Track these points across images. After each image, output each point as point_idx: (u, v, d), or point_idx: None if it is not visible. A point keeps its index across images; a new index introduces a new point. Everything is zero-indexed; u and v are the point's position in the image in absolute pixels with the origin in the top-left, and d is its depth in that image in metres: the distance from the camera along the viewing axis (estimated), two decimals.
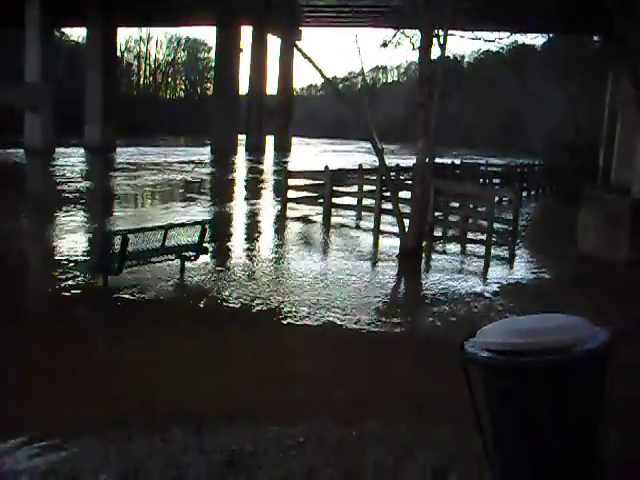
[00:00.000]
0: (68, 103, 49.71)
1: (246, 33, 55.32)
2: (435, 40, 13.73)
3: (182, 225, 11.18)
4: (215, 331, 8.39)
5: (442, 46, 13.85)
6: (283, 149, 59.40)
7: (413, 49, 15.02)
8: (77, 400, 6.22)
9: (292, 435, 5.45)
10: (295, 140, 65.77)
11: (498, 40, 17.15)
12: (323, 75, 15.49)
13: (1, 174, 30.39)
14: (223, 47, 53.02)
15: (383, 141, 15.25)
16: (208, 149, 51.31)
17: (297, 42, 59.99)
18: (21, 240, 14.78)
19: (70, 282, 10.39)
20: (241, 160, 45.89)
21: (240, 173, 37.14)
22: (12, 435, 5.34)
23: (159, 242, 10.43)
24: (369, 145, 15.24)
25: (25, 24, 43.25)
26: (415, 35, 14.20)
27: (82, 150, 44.43)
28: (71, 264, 11.32)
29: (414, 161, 14.63)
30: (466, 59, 78.40)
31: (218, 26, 52.86)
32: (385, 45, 22.12)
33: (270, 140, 61.09)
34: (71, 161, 36.61)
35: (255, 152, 52.16)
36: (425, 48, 13.66)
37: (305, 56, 15.19)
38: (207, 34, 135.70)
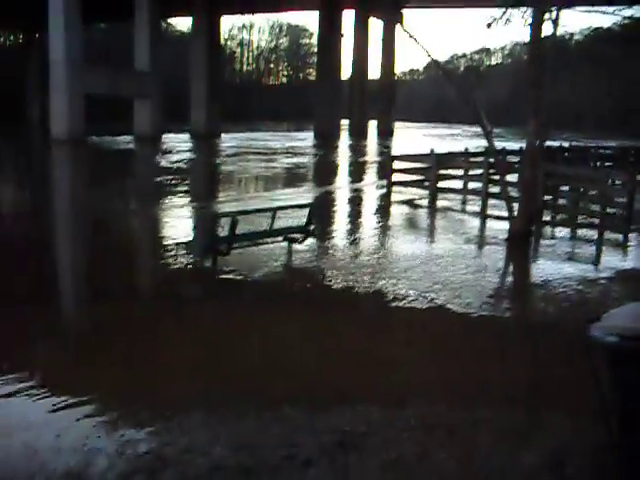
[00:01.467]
0: (174, 91, 51.07)
1: (348, 17, 55.19)
2: (547, 15, 13.18)
3: (289, 207, 11.23)
4: (323, 314, 8.36)
5: (554, 21, 13.29)
6: (386, 133, 59.10)
7: (525, 25, 14.39)
8: (188, 376, 6.38)
9: (403, 418, 5.39)
10: (397, 124, 65.28)
11: (617, 12, 16.16)
12: (430, 56, 15.16)
13: (117, 159, 31.66)
14: (325, 32, 53.11)
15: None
16: (311, 134, 51.57)
17: (399, 24, 59.47)
18: (135, 221, 15.57)
19: (181, 261, 10.70)
20: (344, 144, 45.89)
21: (344, 157, 37.18)
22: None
23: (267, 224, 10.53)
24: (474, 129, 14.87)
25: (134, 15, 44.59)
26: (526, 11, 13.64)
27: (188, 136, 45.54)
28: (182, 244, 11.58)
29: (519, 145, 14.19)
30: (576, 37, 75.87)
31: (321, 10, 52.94)
32: (489, 25, 21.44)
33: (372, 124, 60.88)
34: (180, 146, 37.74)
35: (358, 136, 52.09)
36: (537, 24, 13.14)
37: (411, 36, 14.89)
38: (308, 19, 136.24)
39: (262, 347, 7.08)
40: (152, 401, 5.73)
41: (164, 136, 42.90)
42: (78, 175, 26.30)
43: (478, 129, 15.40)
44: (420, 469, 4.55)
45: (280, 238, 10.98)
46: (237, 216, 9.92)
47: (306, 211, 11.16)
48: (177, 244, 11.77)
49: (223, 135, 47.71)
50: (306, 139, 47.73)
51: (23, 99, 63.29)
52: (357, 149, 41.71)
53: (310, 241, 11.55)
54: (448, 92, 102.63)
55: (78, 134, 37.16)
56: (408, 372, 6.57)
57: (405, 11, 60.51)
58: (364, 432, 5.08)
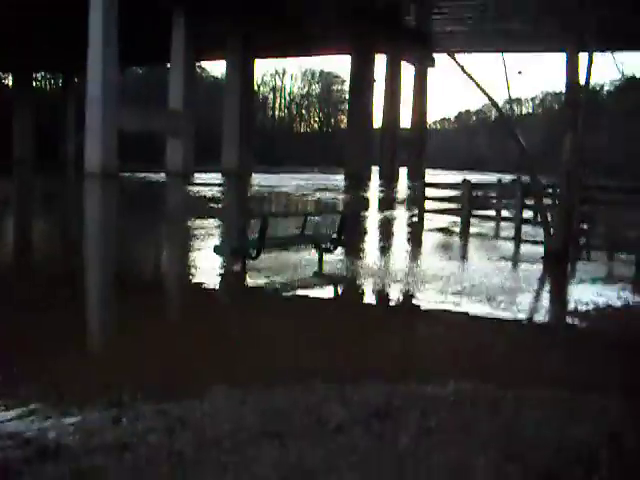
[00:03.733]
0: (206, 132, 51.81)
1: (379, 63, 55.72)
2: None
3: (321, 214, 11.03)
4: (357, 317, 8.19)
5: (588, 68, 13.02)
6: (416, 178, 59.05)
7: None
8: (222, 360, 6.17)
9: (442, 393, 5.09)
10: (429, 171, 65.29)
11: None
12: (487, 94, 14.55)
13: (152, 190, 32.24)
14: (357, 77, 53.61)
15: (518, 172, 14.94)
16: (342, 176, 51.74)
17: (430, 69, 59.88)
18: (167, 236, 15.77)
19: (209, 265, 10.60)
20: (375, 185, 45.97)
21: (375, 193, 37.27)
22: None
23: (298, 230, 10.34)
24: (506, 176, 14.57)
25: (170, 58, 45.57)
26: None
27: (219, 175, 46.04)
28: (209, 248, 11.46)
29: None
30: (606, 87, 75.80)
31: (352, 55, 53.52)
32: (520, 72, 21.40)
33: (403, 171, 61.01)
34: (212, 181, 38.21)
35: (388, 180, 52.09)
36: (571, 69, 12.89)
37: (465, 72, 14.38)
38: (340, 67, 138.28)
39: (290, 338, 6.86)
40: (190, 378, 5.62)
41: (196, 174, 43.41)
42: (113, 202, 26.55)
43: (509, 176, 15.46)
44: (460, 437, 4.23)
45: (310, 246, 10.77)
46: (267, 219, 9.73)
47: (338, 220, 10.94)
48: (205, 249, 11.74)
49: (254, 175, 48.05)
50: (337, 180, 47.78)
51: (60, 137, 64.95)
52: (388, 188, 41.70)
53: (340, 251, 11.33)
54: (480, 141, 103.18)
55: (111, 169, 37.64)
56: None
57: (437, 56, 61.22)
58: (400, 406, 4.78)
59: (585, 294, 9.65)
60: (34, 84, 71.85)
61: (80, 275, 10.58)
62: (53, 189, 30.53)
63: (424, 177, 59.37)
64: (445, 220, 18.89)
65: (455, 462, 3.79)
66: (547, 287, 11.41)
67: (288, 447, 3.96)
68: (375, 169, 56.97)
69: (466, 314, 8.14)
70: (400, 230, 18.42)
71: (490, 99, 14.56)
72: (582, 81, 13.05)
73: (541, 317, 8.65)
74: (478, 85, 14.22)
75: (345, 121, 70.32)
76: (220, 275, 10.36)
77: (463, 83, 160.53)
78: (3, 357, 5.83)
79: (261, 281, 9.58)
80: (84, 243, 14.53)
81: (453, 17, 50.35)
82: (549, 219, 13.66)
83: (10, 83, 72.46)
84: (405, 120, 63.38)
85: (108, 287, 10.05)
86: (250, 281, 9.62)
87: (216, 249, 10.37)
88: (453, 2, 47.95)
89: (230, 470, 3.62)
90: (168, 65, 50.30)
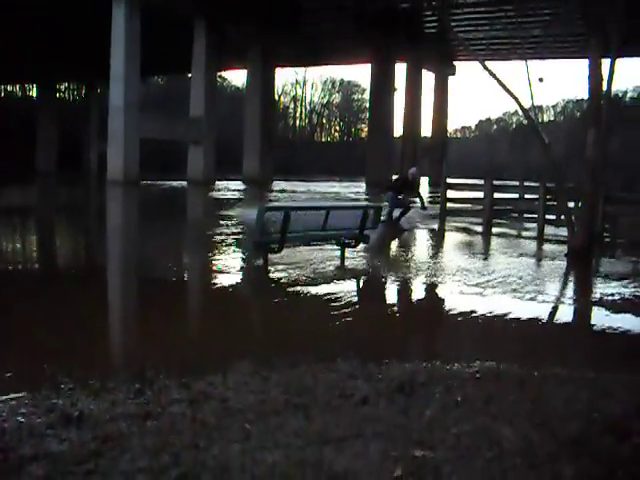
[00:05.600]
0: (227, 141, 52.10)
1: (400, 72, 55.64)
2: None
3: (344, 208, 10.99)
4: (381, 307, 8.13)
5: (610, 75, 12.88)
6: (437, 186, 58.84)
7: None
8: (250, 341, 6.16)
9: (468, 371, 5.04)
10: (450, 180, 64.93)
11: None
12: (515, 98, 14.34)
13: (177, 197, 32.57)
14: (377, 85, 53.53)
15: (539, 181, 14.96)
16: (363, 184, 51.72)
17: (450, 77, 59.79)
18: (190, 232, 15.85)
19: (232, 259, 10.62)
20: None
21: None
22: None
23: (319, 224, 10.30)
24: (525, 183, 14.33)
25: (192, 67, 45.89)
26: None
27: (240, 182, 46.24)
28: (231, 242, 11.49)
29: None
30: (629, 94, 75.17)
31: (372, 64, 53.54)
32: (542, 80, 21.24)
33: (424, 180, 60.76)
34: (233, 188, 38.41)
35: None
36: (593, 76, 12.76)
37: (499, 81, 14.23)
38: (361, 76, 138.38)
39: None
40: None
41: (217, 182, 43.65)
42: (139, 208, 26.75)
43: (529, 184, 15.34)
44: (486, 408, 4.17)
45: (332, 240, 10.73)
46: (289, 212, 9.71)
47: (360, 214, 10.90)
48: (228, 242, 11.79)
49: (275, 182, 48.21)
50: (357, 188, 47.73)
51: (83, 146, 65.71)
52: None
53: (362, 247, 11.28)
54: (500, 149, 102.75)
55: (133, 177, 37.91)
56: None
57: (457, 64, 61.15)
58: (424, 381, 4.73)
59: (609, 287, 9.57)
60: (57, 94, 72.65)
61: (119, 267, 10.66)
62: (82, 197, 30.82)
63: (445, 184, 59.48)
64: (467, 220, 18.82)
65: (482, 430, 3.74)
66: (572, 280, 11.33)
67: (312, 417, 3.93)
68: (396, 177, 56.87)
69: (492, 305, 8.06)
70: (422, 229, 18.31)
71: (518, 103, 14.43)
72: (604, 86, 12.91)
73: (567, 307, 8.57)
74: (507, 90, 14.11)
75: (366, 130, 70.31)
76: (243, 268, 10.40)
77: (484, 91, 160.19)
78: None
79: (283, 274, 9.57)
80: (116, 242, 14.66)
81: (473, 24, 50.17)
82: (572, 218, 13.55)
83: (34, 94, 73.54)
84: (426, 128, 63.30)
85: (133, 280, 10.10)
86: (273, 274, 9.59)
87: (239, 243, 10.37)
88: (473, 9, 47.81)
89: (254, 437, 3.59)
90: (189, 75, 50.61)
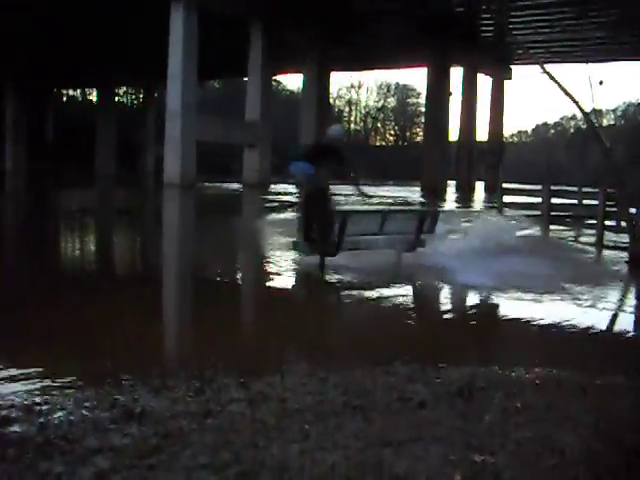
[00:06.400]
0: (282, 144, 52.44)
1: (456, 76, 55.27)
2: None
3: (401, 212, 10.92)
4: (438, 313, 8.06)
5: None
6: (493, 190, 58.12)
7: None
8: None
9: (527, 377, 4.97)
10: (505, 185, 64.03)
11: None
12: (575, 102, 14.07)
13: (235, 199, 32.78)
14: (433, 90, 53.26)
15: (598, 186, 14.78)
16: (418, 189, 51.45)
17: (506, 80, 59.09)
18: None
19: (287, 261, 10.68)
20: (451, 196, 45.57)
21: (451, 203, 37.01)
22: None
23: (376, 228, 10.25)
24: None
25: (248, 70, 46.33)
26: None
27: (294, 186, 46.26)
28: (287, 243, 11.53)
29: None
30: None
31: (428, 68, 53.28)
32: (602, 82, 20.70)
33: (479, 184, 60.21)
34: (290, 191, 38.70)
35: (465, 192, 51.48)
36: None
37: (559, 85, 13.98)
38: (416, 79, 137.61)
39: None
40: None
41: (272, 185, 43.95)
42: (199, 209, 27.13)
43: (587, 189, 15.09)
44: (547, 415, 4.10)
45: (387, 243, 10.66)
46: (346, 215, 9.70)
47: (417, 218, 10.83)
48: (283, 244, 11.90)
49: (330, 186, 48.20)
50: (413, 192, 47.46)
51: (140, 149, 67.03)
52: (465, 198, 41.31)
53: (419, 251, 11.19)
54: (558, 154, 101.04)
55: (189, 180, 38.43)
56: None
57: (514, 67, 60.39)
58: (483, 386, 4.68)
59: None
60: (116, 99, 74.22)
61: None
62: (143, 200, 31.49)
63: (502, 189, 58.70)
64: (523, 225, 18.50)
65: (543, 437, 3.68)
66: (633, 288, 11.09)
67: (371, 419, 3.92)
68: (452, 182, 56.42)
69: (550, 310, 7.93)
70: (476, 233, 18.06)
71: (579, 107, 14.11)
72: None
73: (629, 315, 8.39)
74: (567, 93, 13.83)
75: (421, 134, 69.96)
76: (298, 269, 10.44)
77: (541, 95, 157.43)
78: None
79: (338, 276, 9.58)
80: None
81: (532, 27, 49.52)
82: (634, 224, 13.25)
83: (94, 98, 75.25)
84: (482, 133, 62.63)
85: (188, 281, 10.22)
86: (328, 277, 9.60)
87: (294, 245, 10.41)
88: (532, 12, 47.19)
89: (312, 437, 3.60)
90: (244, 78, 51.07)
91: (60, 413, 3.84)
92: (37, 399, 4.12)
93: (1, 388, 4.40)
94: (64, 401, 4.07)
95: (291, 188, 41.59)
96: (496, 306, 8.59)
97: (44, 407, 3.95)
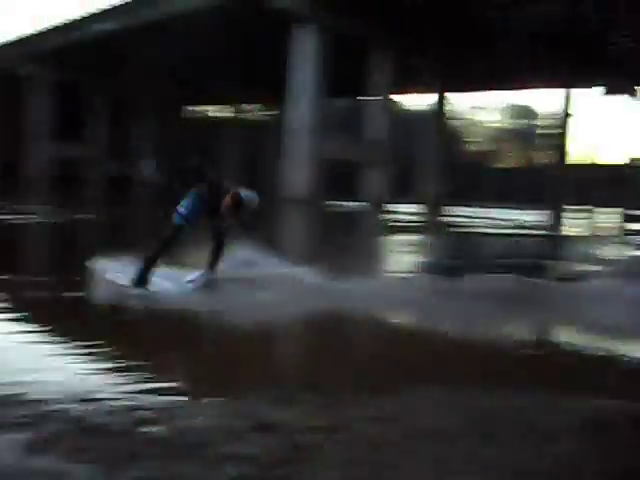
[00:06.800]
0: (403, 164, 52.49)
1: (586, 97, 53.65)
2: None
3: (527, 236, 10.67)
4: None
5: None
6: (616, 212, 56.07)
7: None
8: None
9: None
10: (630, 212, 61.39)
11: None
12: None
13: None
14: (563, 111, 51.94)
15: None
16: (544, 211, 49.88)
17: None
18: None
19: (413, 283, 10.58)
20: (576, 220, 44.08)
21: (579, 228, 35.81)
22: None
23: (503, 251, 10.05)
24: None
25: (369, 90, 46.65)
26: None
27: (414, 206, 46.07)
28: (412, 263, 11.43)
29: None
30: None
31: (558, 90, 52.02)
32: None
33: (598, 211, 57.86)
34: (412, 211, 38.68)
35: (588, 215, 49.61)
36: None
37: None
38: (541, 101, 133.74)
39: None
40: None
41: (390, 205, 43.89)
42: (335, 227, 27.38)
43: None
44: None
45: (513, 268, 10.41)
46: (473, 237, 9.58)
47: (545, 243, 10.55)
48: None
49: (451, 207, 47.62)
50: (538, 215, 45.91)
51: (259, 165, 68.64)
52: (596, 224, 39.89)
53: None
54: None
55: (312, 197, 38.86)
56: None
57: None
58: (615, 419, 4.49)
59: None
60: (242, 115, 76.47)
61: None
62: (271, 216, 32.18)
63: (623, 212, 56.31)
64: None
65: None
66: None
67: (501, 446, 3.85)
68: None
69: None
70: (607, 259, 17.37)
71: None
72: None
73: None
74: None
75: (545, 156, 68.24)
76: (425, 290, 10.27)
77: None
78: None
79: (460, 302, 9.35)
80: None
81: None
82: None
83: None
84: (611, 154, 60.46)
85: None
86: (450, 301, 9.41)
87: (424, 266, 10.32)
88: None
89: (445, 460, 3.57)
90: (364, 97, 51.30)
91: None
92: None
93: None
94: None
95: (410, 208, 41.51)
96: None
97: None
